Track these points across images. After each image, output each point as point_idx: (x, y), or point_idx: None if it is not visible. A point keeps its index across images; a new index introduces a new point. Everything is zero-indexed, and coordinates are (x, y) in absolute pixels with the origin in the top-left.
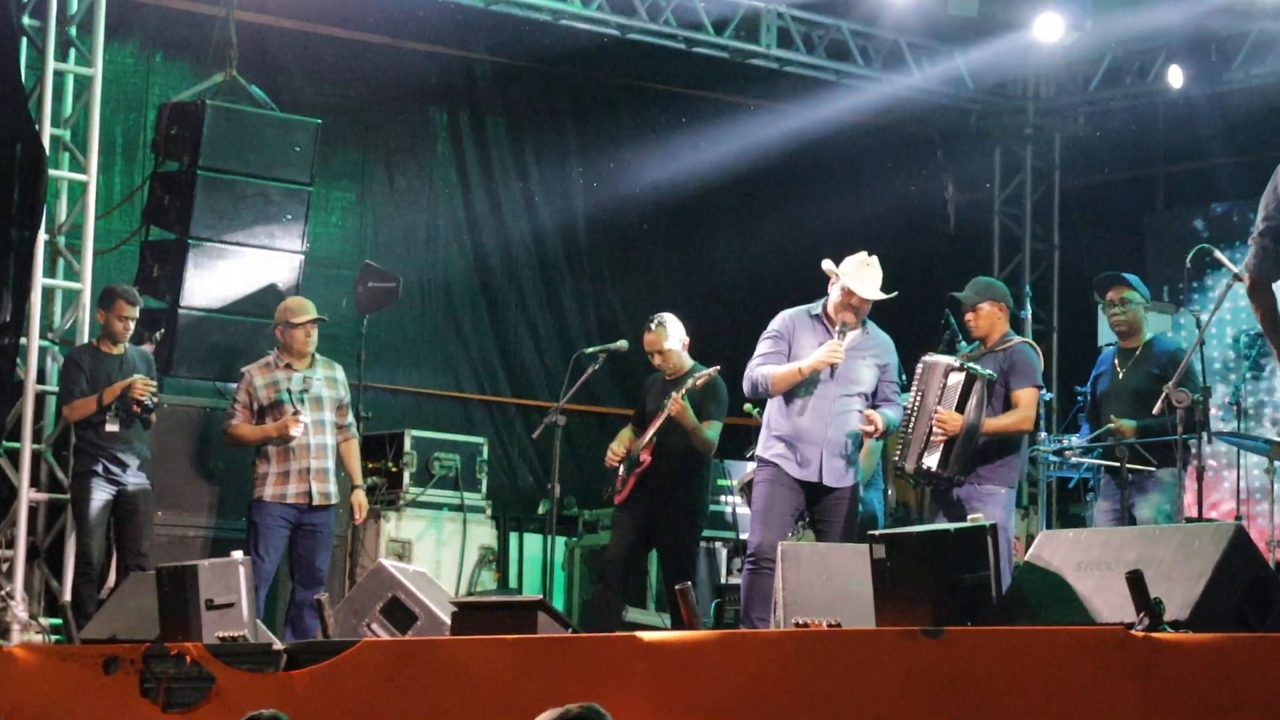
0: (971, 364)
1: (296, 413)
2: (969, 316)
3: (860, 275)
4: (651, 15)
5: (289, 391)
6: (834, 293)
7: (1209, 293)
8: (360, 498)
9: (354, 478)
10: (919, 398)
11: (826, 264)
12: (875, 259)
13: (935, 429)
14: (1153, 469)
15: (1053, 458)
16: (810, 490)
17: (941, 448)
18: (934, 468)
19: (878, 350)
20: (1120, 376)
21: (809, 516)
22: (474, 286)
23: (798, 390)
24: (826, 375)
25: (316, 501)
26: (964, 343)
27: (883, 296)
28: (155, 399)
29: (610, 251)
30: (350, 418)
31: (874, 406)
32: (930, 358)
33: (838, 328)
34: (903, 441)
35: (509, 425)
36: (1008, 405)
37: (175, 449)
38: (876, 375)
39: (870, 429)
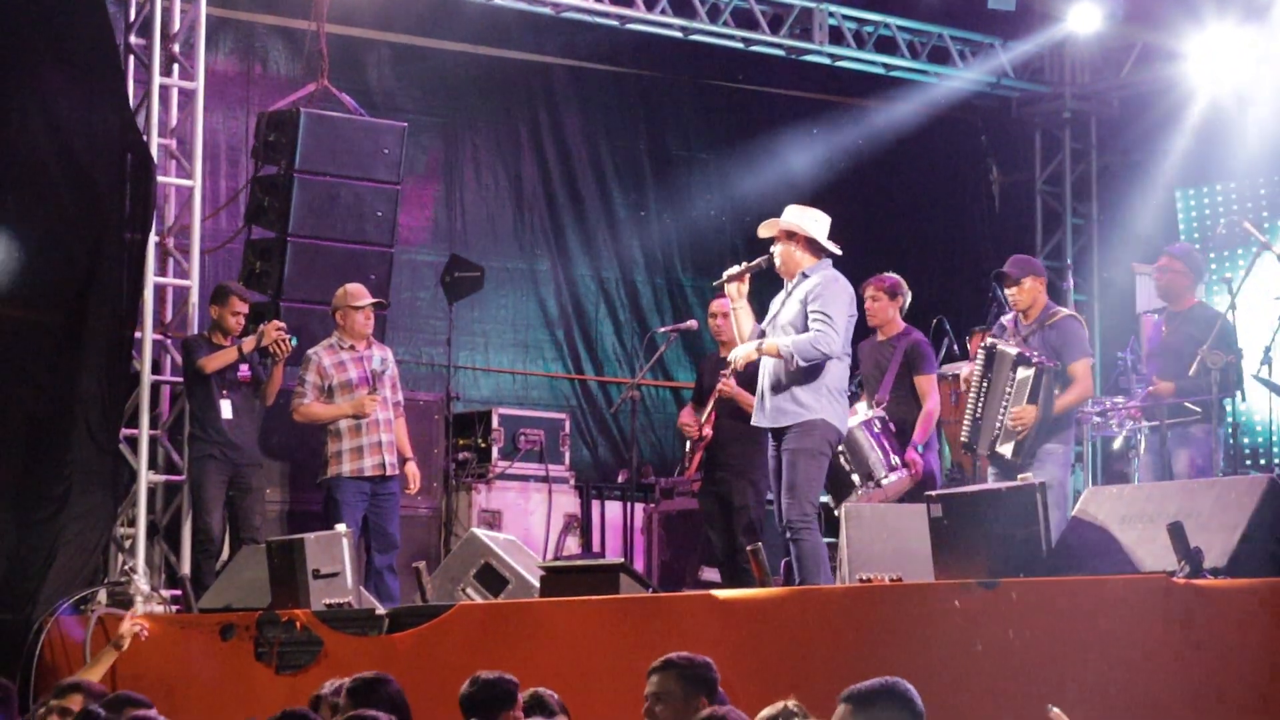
0: (1040, 358)
1: (374, 391)
2: (1012, 291)
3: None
4: (711, 16)
5: (373, 372)
6: None
7: (1239, 260)
8: (412, 469)
9: (405, 451)
10: (985, 384)
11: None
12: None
13: (1014, 424)
14: (1191, 421)
15: (1096, 418)
16: (773, 436)
17: (1015, 441)
18: (1009, 456)
19: (804, 287)
20: (1163, 335)
21: None
22: (557, 273)
23: None
24: (770, 329)
25: (389, 472)
26: (1009, 313)
27: (766, 233)
28: (291, 341)
29: (680, 237)
30: (400, 394)
31: None
32: (1000, 347)
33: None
34: (970, 423)
35: (591, 401)
36: (1063, 376)
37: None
38: (795, 309)
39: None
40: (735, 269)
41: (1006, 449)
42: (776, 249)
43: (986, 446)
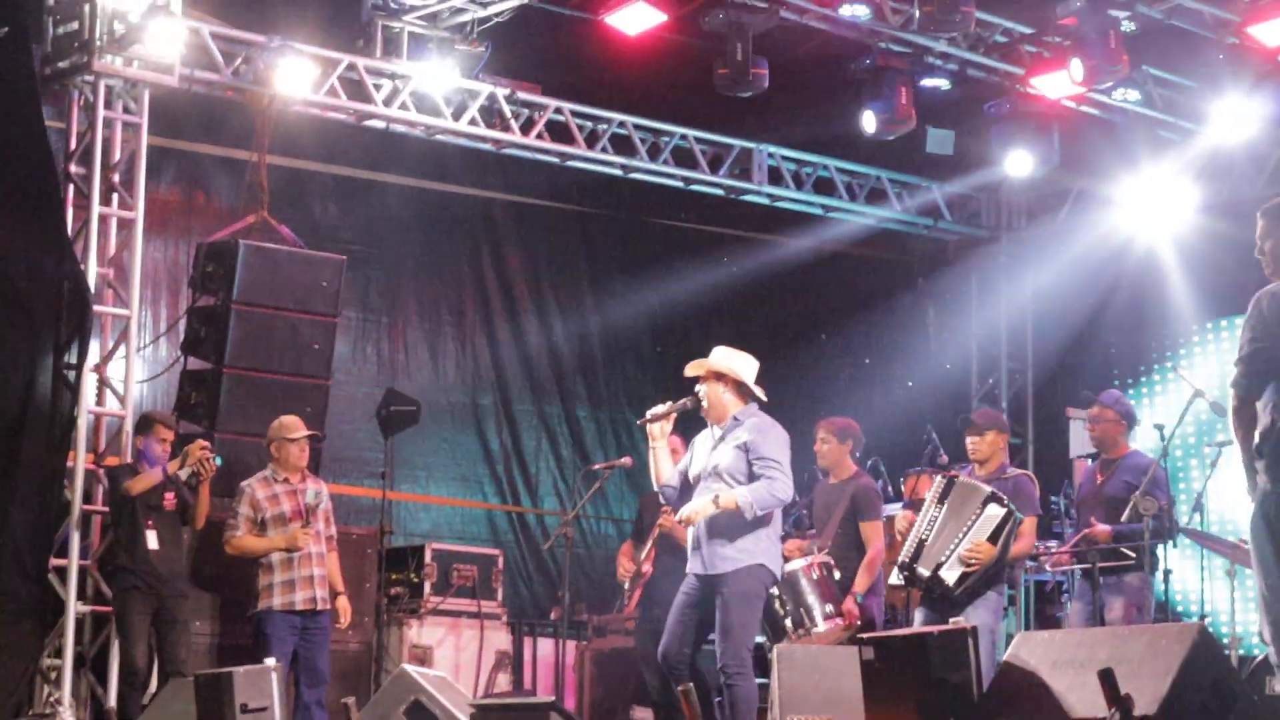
0: (1010, 503)
1: (308, 524)
2: (974, 440)
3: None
4: (651, 155)
5: (307, 505)
6: None
7: (1168, 401)
8: (344, 603)
9: (336, 585)
10: (939, 511)
11: None
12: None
13: (969, 555)
14: (1123, 571)
15: (1030, 562)
16: (705, 581)
17: (963, 570)
18: (950, 584)
19: (739, 434)
20: (1098, 483)
21: None
22: (497, 406)
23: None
24: (706, 471)
25: (319, 607)
26: (945, 458)
27: (691, 374)
28: (215, 461)
29: (622, 372)
30: (334, 528)
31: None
32: (964, 479)
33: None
34: (913, 546)
35: (529, 536)
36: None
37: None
38: (733, 456)
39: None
40: (660, 408)
41: (951, 575)
42: (702, 389)
43: (929, 566)
